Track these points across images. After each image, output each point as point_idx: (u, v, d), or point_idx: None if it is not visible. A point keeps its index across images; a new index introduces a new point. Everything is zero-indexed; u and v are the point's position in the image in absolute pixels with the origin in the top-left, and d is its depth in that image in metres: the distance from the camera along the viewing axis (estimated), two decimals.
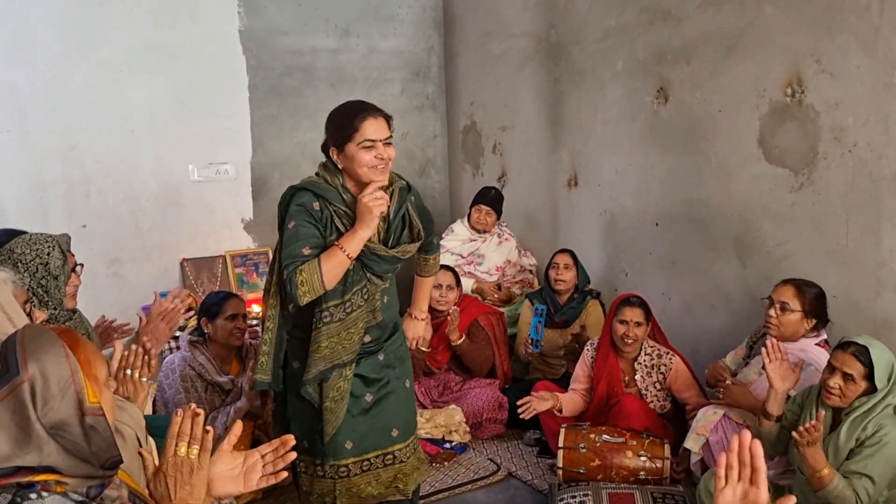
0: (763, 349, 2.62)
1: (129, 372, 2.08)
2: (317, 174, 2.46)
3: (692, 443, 2.99)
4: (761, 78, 3.19)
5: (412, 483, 2.65)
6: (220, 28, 4.56)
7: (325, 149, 2.44)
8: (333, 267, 2.27)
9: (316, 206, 2.36)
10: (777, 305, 2.87)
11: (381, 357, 2.56)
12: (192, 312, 3.10)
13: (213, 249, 4.66)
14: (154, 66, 4.35)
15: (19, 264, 2.38)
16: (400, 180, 2.52)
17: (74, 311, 2.71)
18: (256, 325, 4.14)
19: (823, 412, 2.38)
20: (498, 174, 5.04)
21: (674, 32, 3.60)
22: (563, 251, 4.10)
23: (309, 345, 2.42)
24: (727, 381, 2.96)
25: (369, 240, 2.36)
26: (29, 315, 2.11)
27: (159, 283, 4.48)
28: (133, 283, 4.43)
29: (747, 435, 1.32)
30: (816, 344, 2.85)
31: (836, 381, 2.38)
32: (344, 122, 2.34)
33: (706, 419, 2.98)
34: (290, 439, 1.59)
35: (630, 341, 3.35)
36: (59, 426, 1.25)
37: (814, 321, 2.86)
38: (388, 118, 2.39)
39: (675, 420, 3.45)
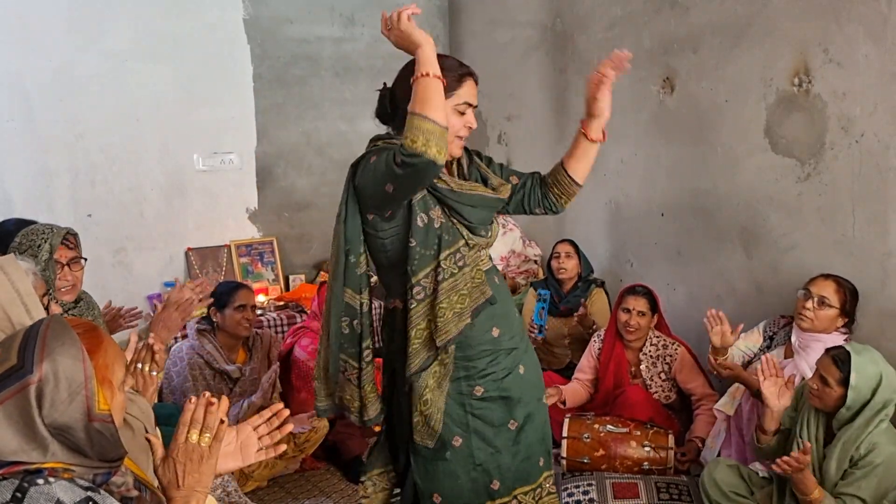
0: (759, 365, 2.52)
1: (139, 365, 2.08)
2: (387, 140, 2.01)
3: (726, 405, 2.97)
4: (768, 67, 3.17)
5: None
6: (225, 17, 4.55)
7: (389, 100, 2.00)
8: (427, 93, 1.76)
9: None
10: (815, 299, 2.82)
11: (521, 370, 2.15)
12: (210, 300, 2.96)
13: (218, 239, 4.67)
14: (159, 55, 4.35)
15: (16, 253, 2.39)
16: None
17: (79, 299, 2.72)
18: (261, 315, 4.16)
19: (810, 444, 2.34)
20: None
21: (680, 21, 3.57)
22: (563, 241, 4.11)
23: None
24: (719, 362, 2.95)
25: (446, 177, 1.96)
26: (46, 308, 2.12)
27: (165, 273, 4.49)
28: (138, 273, 4.44)
29: None
30: (844, 341, 2.83)
31: (814, 382, 2.38)
32: (443, 76, 1.88)
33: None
34: (283, 408, 1.55)
35: (632, 329, 3.35)
36: (62, 429, 1.26)
37: (846, 319, 2.85)
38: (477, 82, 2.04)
39: (681, 411, 3.45)
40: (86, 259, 2.72)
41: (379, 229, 1.99)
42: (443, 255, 1.98)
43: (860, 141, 2.85)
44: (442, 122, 1.75)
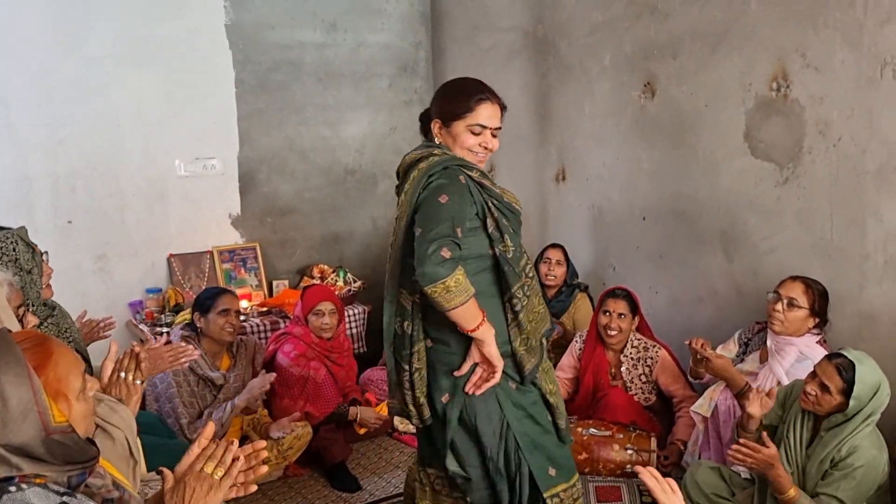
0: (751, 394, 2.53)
1: (122, 374, 2.06)
2: (435, 151, 2.21)
3: (702, 406, 2.98)
4: (747, 73, 3.20)
5: None
6: (207, 22, 4.52)
7: (424, 119, 2.28)
8: (465, 311, 2.04)
9: (461, 178, 2.16)
10: (784, 301, 2.86)
11: None
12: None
13: (201, 245, 4.63)
14: (141, 59, 4.32)
15: None
16: None
17: (54, 307, 2.67)
18: (244, 321, 4.14)
19: (775, 447, 2.37)
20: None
21: (660, 27, 3.61)
22: (554, 246, 4.11)
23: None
24: (709, 353, 2.93)
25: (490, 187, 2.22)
26: (20, 320, 2.09)
27: (146, 279, 4.46)
28: (119, 279, 4.40)
29: None
30: (817, 342, 2.87)
31: (812, 388, 2.39)
32: (459, 98, 2.19)
33: (719, 385, 3.00)
34: (262, 447, 1.57)
35: (613, 332, 3.36)
36: (21, 447, 1.25)
37: (817, 320, 2.87)
38: (503, 108, 2.25)
39: (662, 413, 3.47)
40: (47, 252, 2.69)
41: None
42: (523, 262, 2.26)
43: (837, 145, 2.89)
44: (452, 309, 2.02)
